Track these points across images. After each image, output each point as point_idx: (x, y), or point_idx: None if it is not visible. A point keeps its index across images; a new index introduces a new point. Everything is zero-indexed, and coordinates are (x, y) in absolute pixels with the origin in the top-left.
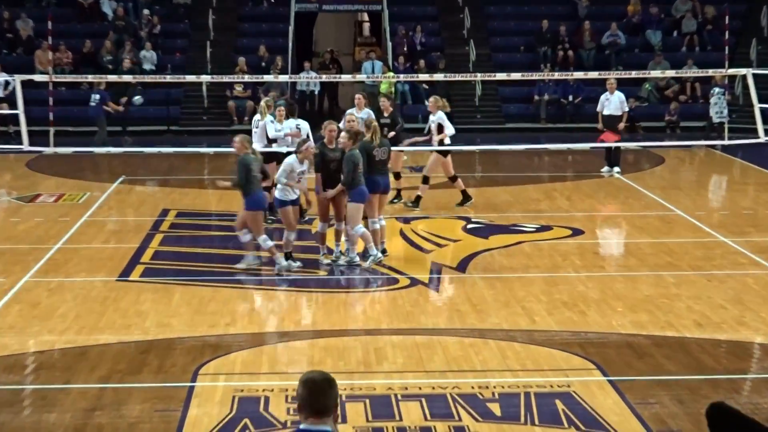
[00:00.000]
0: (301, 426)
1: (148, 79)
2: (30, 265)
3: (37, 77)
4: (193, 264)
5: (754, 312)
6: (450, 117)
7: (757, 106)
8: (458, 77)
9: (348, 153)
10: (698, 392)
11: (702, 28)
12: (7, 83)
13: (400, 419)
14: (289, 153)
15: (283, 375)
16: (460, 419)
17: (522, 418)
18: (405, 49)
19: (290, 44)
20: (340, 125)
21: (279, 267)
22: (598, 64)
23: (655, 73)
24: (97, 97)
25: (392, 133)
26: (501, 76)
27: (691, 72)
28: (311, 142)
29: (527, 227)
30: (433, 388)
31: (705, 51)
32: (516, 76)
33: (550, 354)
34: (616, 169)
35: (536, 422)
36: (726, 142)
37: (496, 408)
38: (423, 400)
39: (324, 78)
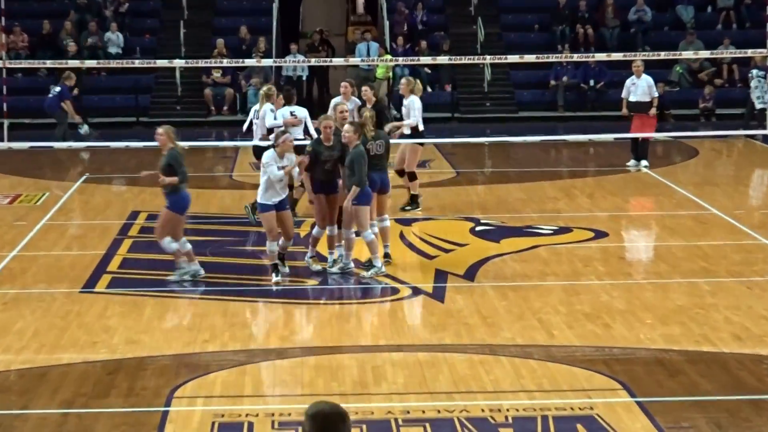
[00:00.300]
0: None
1: (113, 64)
2: None
3: None
4: (166, 273)
5: None
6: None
7: None
8: (465, 60)
9: (355, 149)
10: (738, 415)
11: (740, 3)
12: None
13: None
14: (296, 141)
15: (269, 398)
16: None
17: None
18: (404, 28)
19: (274, 24)
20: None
21: (178, 274)
22: (623, 44)
23: (687, 54)
24: (57, 89)
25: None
26: (513, 58)
27: (728, 52)
28: (290, 134)
29: (543, 229)
30: (439, 411)
31: (743, 28)
32: (530, 58)
33: (571, 372)
34: (644, 162)
35: None
36: None
37: None
38: (427, 425)
39: (313, 62)
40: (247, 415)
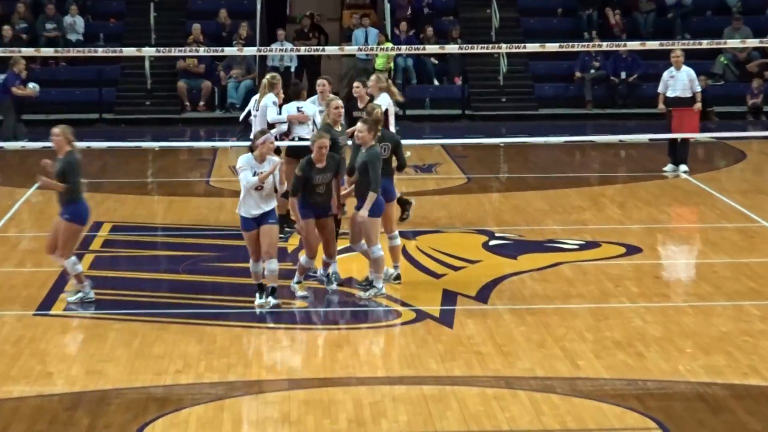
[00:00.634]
0: None
1: (74, 52)
2: None
3: None
4: (133, 293)
5: None
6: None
7: None
8: (477, 49)
9: (370, 150)
10: None
11: None
12: None
13: None
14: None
15: None
16: None
17: None
18: (408, 12)
19: (258, 7)
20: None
21: (75, 296)
22: (659, 30)
23: (733, 43)
24: (1, 77)
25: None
26: (533, 47)
27: None
28: (270, 135)
29: (567, 244)
30: None
31: None
32: (552, 47)
33: (599, 409)
34: (683, 167)
35: None
36: None
37: None
38: None
39: (303, 51)
40: None
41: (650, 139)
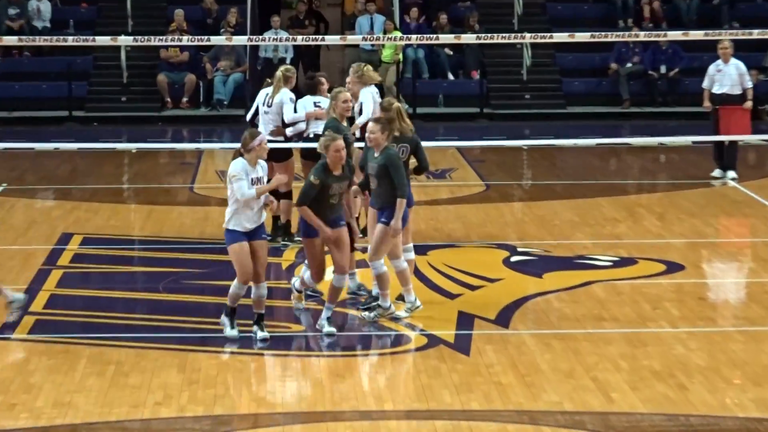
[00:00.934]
0: None
1: (40, 41)
2: None
3: None
4: (106, 314)
5: None
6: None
7: None
8: (497, 39)
9: (389, 151)
10: None
11: None
12: None
13: None
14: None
15: None
16: None
17: None
18: None
19: None
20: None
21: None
22: (704, 18)
23: None
24: None
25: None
26: (560, 36)
27: None
28: (264, 135)
29: (600, 260)
30: None
31: None
32: (582, 36)
33: None
34: (732, 173)
35: None
36: None
37: None
38: None
39: (300, 40)
40: None
41: (694, 142)
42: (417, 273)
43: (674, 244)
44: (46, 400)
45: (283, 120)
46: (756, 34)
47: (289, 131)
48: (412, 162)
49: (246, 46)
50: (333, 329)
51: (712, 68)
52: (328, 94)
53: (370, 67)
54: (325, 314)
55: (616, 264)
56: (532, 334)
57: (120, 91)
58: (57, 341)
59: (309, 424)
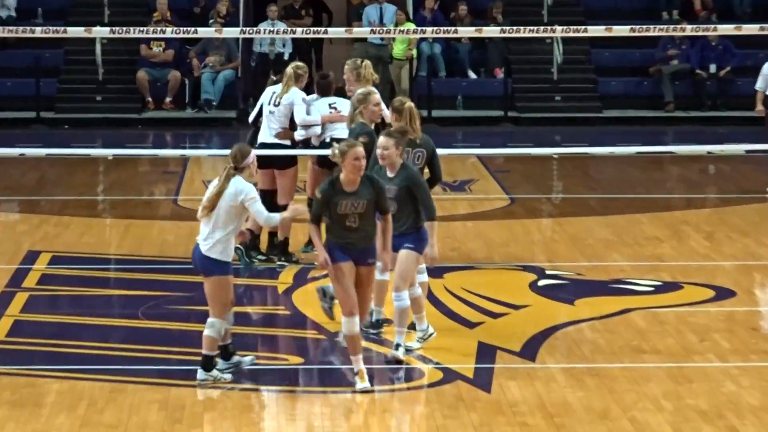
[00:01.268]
0: None
1: (4, 33)
2: None
3: None
4: (77, 343)
5: None
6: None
7: None
8: (525, 33)
9: (407, 171)
10: None
11: None
12: None
13: None
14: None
15: None
16: None
17: None
18: None
19: None
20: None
21: None
22: (759, 11)
23: None
24: None
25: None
26: (596, 30)
27: None
28: (252, 156)
29: (639, 285)
30: None
31: None
32: (621, 30)
33: None
34: None
35: None
36: None
37: None
38: None
39: (299, 33)
40: None
41: (747, 151)
42: (431, 298)
43: (724, 267)
44: None
45: (291, 122)
46: None
47: (298, 135)
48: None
49: (238, 39)
50: (366, 384)
51: (766, 68)
52: (369, 88)
53: (368, 63)
54: (356, 368)
55: (658, 289)
56: (562, 369)
57: (95, 89)
58: (21, 373)
59: None
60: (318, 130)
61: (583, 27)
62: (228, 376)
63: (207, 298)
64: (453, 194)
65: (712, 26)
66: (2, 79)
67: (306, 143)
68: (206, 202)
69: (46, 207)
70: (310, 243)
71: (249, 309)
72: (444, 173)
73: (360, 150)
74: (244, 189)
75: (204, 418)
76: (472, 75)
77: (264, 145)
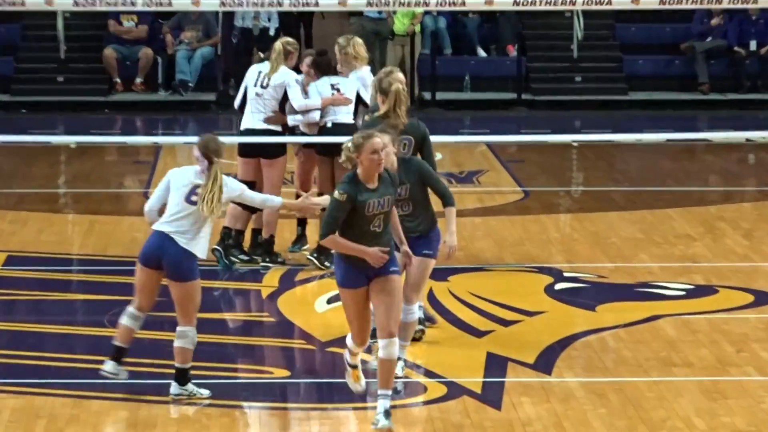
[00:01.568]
0: None
1: None
2: None
3: None
4: (35, 354)
5: None
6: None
7: None
8: (541, 5)
9: (410, 163)
10: None
11: None
12: None
13: None
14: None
15: None
16: None
17: None
18: None
19: None
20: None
21: None
22: None
23: None
24: None
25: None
26: (621, 3)
27: None
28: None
29: (669, 288)
30: None
31: None
32: (649, 3)
33: None
34: None
35: None
36: None
37: None
38: None
39: (286, 5)
40: None
41: None
42: (435, 303)
43: (764, 268)
44: None
45: (281, 105)
46: None
47: (292, 120)
48: None
49: (217, 12)
50: (389, 423)
51: None
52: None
53: (358, 40)
54: (381, 406)
55: (690, 294)
56: (582, 383)
57: (56, 69)
58: None
59: None
60: (317, 115)
61: None
62: (205, 392)
63: (177, 305)
64: (460, 187)
65: None
66: None
67: (292, 129)
68: (211, 201)
69: (1, 201)
70: (297, 241)
71: (228, 316)
72: (450, 163)
73: (377, 141)
74: (233, 185)
75: None
76: (482, 53)
77: (250, 132)
